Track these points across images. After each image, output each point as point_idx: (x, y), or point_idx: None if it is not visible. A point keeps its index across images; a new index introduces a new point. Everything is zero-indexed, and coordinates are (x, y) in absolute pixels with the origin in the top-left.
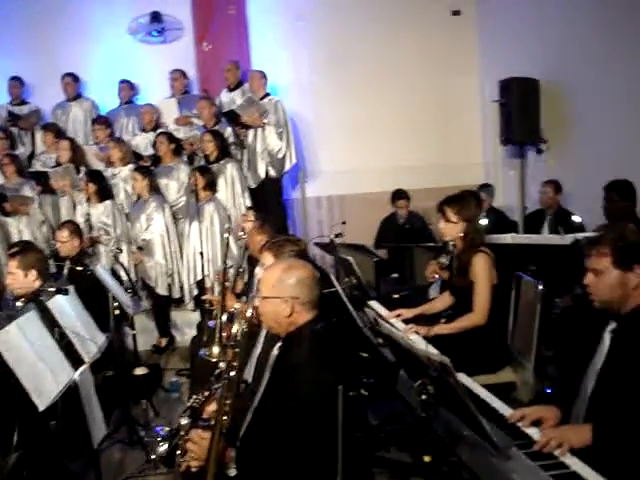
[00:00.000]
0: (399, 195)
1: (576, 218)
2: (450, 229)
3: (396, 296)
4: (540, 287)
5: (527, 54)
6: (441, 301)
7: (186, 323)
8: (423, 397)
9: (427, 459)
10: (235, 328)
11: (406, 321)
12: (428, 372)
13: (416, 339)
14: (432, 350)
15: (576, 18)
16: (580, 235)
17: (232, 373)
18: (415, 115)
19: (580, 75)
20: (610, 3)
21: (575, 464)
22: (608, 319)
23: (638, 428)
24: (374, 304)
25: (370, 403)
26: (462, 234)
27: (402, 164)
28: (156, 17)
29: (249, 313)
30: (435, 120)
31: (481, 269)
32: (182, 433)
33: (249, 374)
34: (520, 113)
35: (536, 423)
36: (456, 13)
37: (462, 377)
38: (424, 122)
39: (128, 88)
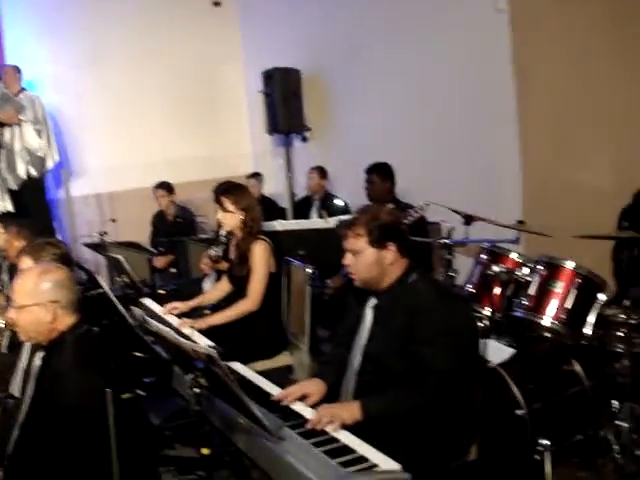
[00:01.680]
0: (159, 186)
1: (339, 201)
2: (229, 219)
3: (162, 291)
4: (308, 270)
5: (288, 45)
6: (217, 291)
7: None
8: (196, 390)
9: (205, 452)
10: None
11: (183, 315)
12: (196, 365)
13: (190, 332)
14: (204, 342)
15: (330, 10)
16: (343, 217)
17: None
18: (182, 107)
19: (337, 65)
20: None
21: (346, 437)
22: (369, 296)
23: (401, 398)
24: (147, 301)
25: (153, 402)
26: (240, 223)
27: (172, 157)
28: None
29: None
30: (203, 111)
31: (259, 257)
32: None
33: (16, 388)
34: (284, 103)
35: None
36: (217, 4)
37: (236, 365)
38: (192, 114)
39: None
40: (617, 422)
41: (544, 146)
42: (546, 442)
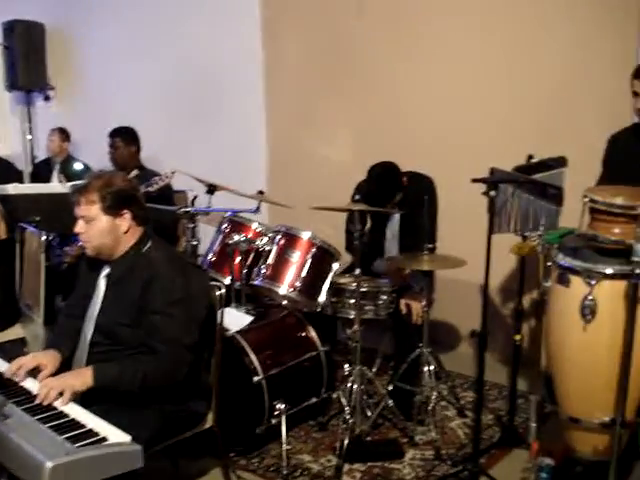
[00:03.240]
0: None
1: (78, 165)
2: None
3: None
4: (43, 237)
5: None
6: None
7: None
8: None
9: None
10: None
11: None
12: None
13: None
14: None
15: None
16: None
17: None
18: None
19: (84, 24)
20: None
21: (75, 412)
22: (103, 265)
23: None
24: None
25: None
26: None
27: None
28: None
29: None
30: None
31: None
32: None
33: None
34: (25, 58)
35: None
36: None
37: None
38: None
39: None
40: (349, 384)
41: (289, 118)
42: (282, 406)
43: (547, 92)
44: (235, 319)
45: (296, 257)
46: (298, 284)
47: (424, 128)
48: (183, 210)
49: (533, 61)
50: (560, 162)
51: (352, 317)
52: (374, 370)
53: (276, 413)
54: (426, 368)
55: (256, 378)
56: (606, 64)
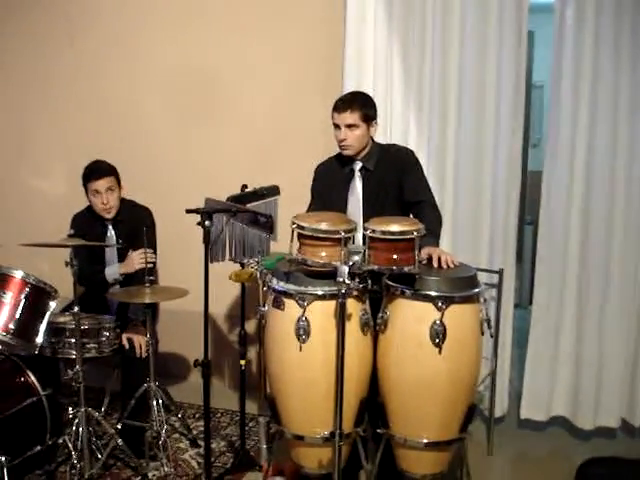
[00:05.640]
0: None
1: None
2: None
3: None
4: None
5: None
6: None
7: None
8: None
9: None
10: None
11: None
12: None
13: None
14: None
15: None
16: None
17: None
18: None
19: None
20: None
21: None
22: None
23: None
24: None
25: None
26: None
27: None
28: None
29: None
30: None
31: None
32: None
33: None
34: None
35: None
36: None
37: None
38: None
39: None
40: (74, 428)
41: (6, 151)
42: (1, 458)
43: (261, 125)
44: None
45: (8, 298)
46: (12, 327)
47: (141, 159)
48: None
49: (248, 97)
50: (273, 191)
51: (74, 357)
52: (103, 410)
53: None
54: (155, 402)
55: None
56: (315, 99)
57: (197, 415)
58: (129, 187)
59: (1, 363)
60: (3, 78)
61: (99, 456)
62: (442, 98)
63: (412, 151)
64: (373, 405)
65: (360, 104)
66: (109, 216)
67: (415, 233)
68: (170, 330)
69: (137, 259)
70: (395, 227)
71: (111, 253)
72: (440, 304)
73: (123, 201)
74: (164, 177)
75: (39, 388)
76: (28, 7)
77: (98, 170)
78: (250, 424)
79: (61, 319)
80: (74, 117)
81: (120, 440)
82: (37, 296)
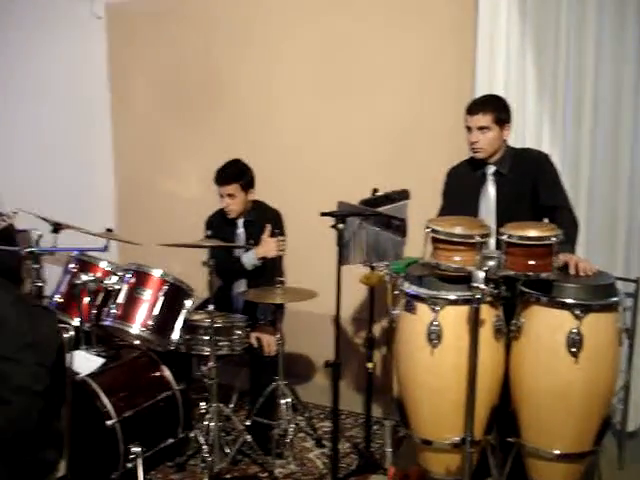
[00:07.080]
0: None
1: None
2: None
3: None
4: None
5: None
6: None
7: None
8: None
9: None
10: None
11: None
12: None
13: None
14: None
15: None
16: None
17: None
18: None
19: None
20: None
21: None
22: None
23: None
24: None
25: None
26: None
27: None
28: None
29: None
30: None
31: None
32: None
33: None
34: None
35: None
36: None
37: None
38: None
39: None
40: (205, 422)
41: (137, 153)
42: (137, 449)
43: (391, 130)
44: (85, 362)
45: (147, 295)
46: (150, 323)
47: (274, 162)
48: (27, 250)
49: (377, 100)
50: (403, 195)
51: (207, 354)
52: (231, 406)
53: (132, 457)
54: (283, 401)
55: (109, 422)
56: (445, 103)
57: (322, 415)
58: (261, 188)
59: (139, 358)
60: (142, 85)
61: (227, 451)
62: (577, 99)
63: (547, 155)
64: (503, 413)
65: (493, 106)
66: (230, 217)
67: (553, 239)
68: (295, 331)
69: (275, 245)
70: (533, 232)
71: (239, 253)
72: (578, 312)
73: (254, 203)
74: (296, 180)
75: (173, 383)
76: (164, 14)
77: (222, 176)
78: (375, 427)
79: (195, 317)
80: (207, 119)
81: (249, 436)
82: (174, 294)
